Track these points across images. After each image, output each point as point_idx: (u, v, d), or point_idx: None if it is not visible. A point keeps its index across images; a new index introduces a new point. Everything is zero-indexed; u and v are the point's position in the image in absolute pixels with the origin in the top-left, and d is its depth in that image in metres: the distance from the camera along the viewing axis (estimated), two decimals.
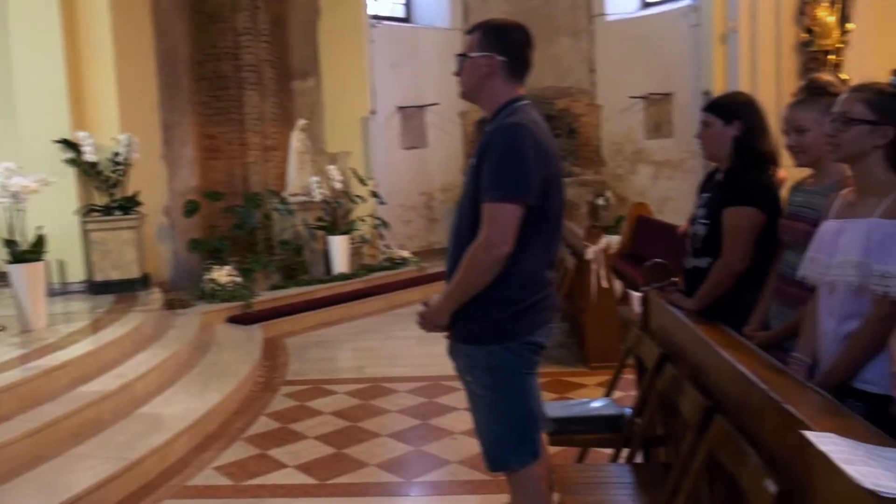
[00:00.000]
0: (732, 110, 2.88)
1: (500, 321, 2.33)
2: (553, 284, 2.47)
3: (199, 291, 7.50)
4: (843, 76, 8.56)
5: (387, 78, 10.99)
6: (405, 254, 9.78)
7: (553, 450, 3.58)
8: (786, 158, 2.78)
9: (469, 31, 2.50)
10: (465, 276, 2.31)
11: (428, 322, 2.43)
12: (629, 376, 3.66)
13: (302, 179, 9.01)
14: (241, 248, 8.42)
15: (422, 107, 11.56)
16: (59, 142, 6.88)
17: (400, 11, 12.10)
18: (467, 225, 2.35)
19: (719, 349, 2.29)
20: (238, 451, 4.32)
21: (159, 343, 5.74)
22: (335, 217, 8.99)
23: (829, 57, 9.12)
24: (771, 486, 1.65)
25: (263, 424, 4.79)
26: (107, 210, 7.01)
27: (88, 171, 6.97)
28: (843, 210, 2.16)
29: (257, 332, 6.85)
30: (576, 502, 2.53)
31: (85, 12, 7.11)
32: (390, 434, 4.53)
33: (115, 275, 6.95)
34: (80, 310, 6.27)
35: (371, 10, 10.79)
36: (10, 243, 5.33)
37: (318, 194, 8.85)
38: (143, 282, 7.10)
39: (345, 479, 3.91)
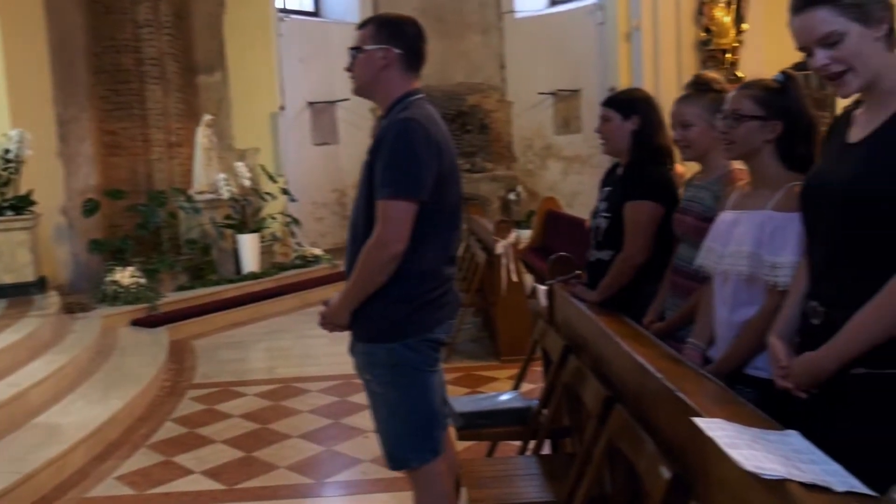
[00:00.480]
0: (630, 105, 2.94)
1: (399, 318, 2.32)
2: (453, 280, 2.47)
3: (100, 294, 7.21)
4: (740, 73, 8.94)
5: (296, 73, 10.81)
6: (317, 251, 9.67)
7: (463, 445, 3.60)
8: None
9: (361, 26, 2.47)
10: (360, 275, 2.29)
11: (329, 322, 2.40)
12: (538, 369, 3.72)
13: (209, 177, 8.75)
14: (146, 248, 8.15)
15: (332, 102, 11.41)
16: None
17: (309, 5, 11.94)
18: (363, 222, 2.33)
19: (619, 340, 2.33)
20: (141, 459, 4.17)
21: (56, 349, 5.48)
22: (244, 215, 8.77)
23: (727, 55, 9.49)
24: (665, 472, 1.69)
25: (169, 430, 4.64)
26: None
27: None
28: (738, 201, 2.23)
29: (163, 335, 6.63)
30: (483, 496, 2.54)
31: None
32: (301, 435, 4.47)
33: (7, 278, 6.60)
34: None
35: (279, 4, 10.58)
36: None
37: (226, 192, 8.61)
38: (39, 285, 6.75)
39: (254, 482, 3.83)
